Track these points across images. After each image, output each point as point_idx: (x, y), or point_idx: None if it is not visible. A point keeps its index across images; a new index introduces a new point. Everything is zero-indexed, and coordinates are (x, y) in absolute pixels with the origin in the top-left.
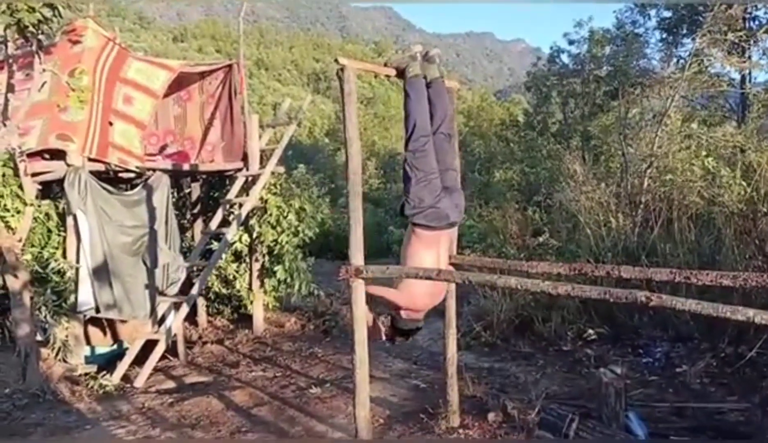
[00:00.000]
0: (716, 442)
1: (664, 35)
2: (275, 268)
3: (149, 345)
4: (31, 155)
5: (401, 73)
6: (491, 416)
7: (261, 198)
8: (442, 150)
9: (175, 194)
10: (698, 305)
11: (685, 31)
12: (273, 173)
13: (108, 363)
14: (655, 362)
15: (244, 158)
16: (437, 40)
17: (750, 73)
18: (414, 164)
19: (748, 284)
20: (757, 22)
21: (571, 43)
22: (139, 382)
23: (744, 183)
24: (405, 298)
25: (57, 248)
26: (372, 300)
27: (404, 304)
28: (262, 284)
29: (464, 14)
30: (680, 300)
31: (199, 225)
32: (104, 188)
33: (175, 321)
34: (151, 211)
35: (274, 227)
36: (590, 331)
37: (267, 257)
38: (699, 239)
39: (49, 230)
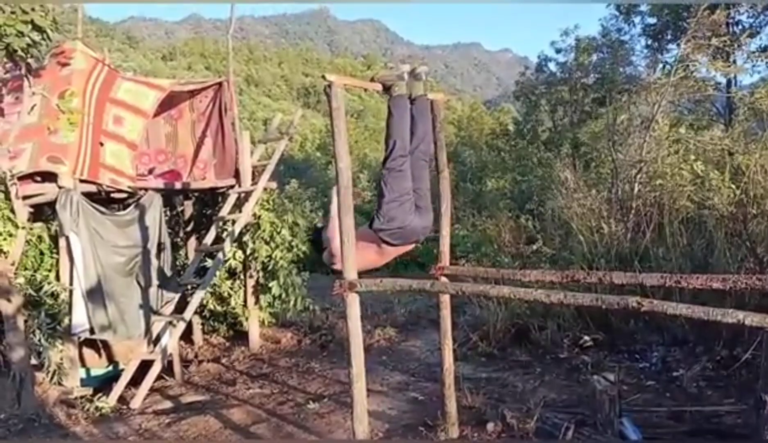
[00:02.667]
0: None
1: (650, 42)
2: (270, 284)
3: (145, 366)
4: (22, 178)
5: (387, 89)
6: (490, 426)
7: (254, 214)
8: (418, 170)
9: (168, 212)
10: (689, 310)
11: (669, 37)
12: (265, 188)
13: (104, 384)
14: (651, 366)
15: (236, 175)
16: (425, 52)
17: (735, 77)
18: (390, 182)
19: (738, 286)
20: (740, 27)
21: (557, 51)
22: (136, 403)
23: (733, 186)
24: (332, 245)
25: (50, 271)
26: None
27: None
28: (257, 301)
29: (451, 26)
30: (671, 305)
31: (192, 243)
32: (96, 209)
33: (171, 340)
34: (144, 230)
35: (267, 243)
36: (586, 338)
37: (261, 273)
38: (691, 243)
39: (42, 253)
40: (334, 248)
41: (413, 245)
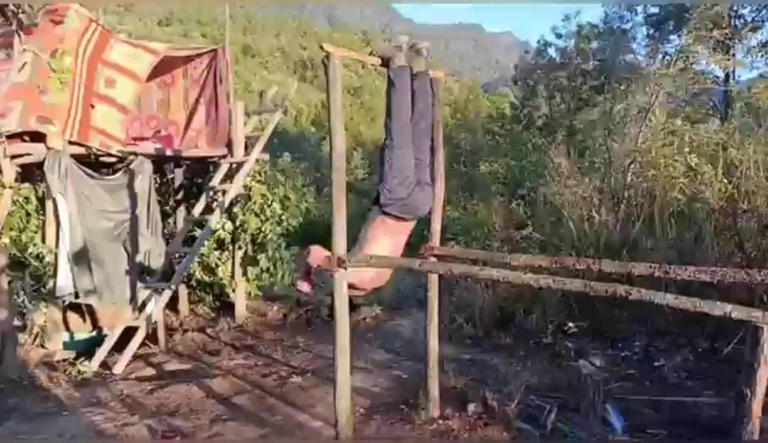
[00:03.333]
0: (694, 441)
1: (651, 31)
2: (258, 257)
3: (129, 332)
4: (11, 137)
5: (386, 63)
6: (471, 407)
7: (245, 186)
8: (419, 143)
9: (158, 179)
10: (676, 300)
11: (671, 28)
12: (258, 160)
13: (87, 349)
14: (633, 355)
15: (229, 145)
16: (425, 31)
17: (734, 71)
18: (391, 155)
19: (725, 279)
20: (742, 21)
21: (558, 37)
22: (118, 369)
23: (725, 180)
24: (354, 277)
25: (36, 233)
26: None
27: (352, 282)
28: (245, 273)
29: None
30: (659, 295)
31: (182, 212)
32: (85, 173)
33: (156, 308)
34: (133, 196)
35: (257, 216)
36: (570, 324)
37: (250, 246)
38: (680, 235)
39: (28, 214)
40: (358, 280)
41: (413, 221)
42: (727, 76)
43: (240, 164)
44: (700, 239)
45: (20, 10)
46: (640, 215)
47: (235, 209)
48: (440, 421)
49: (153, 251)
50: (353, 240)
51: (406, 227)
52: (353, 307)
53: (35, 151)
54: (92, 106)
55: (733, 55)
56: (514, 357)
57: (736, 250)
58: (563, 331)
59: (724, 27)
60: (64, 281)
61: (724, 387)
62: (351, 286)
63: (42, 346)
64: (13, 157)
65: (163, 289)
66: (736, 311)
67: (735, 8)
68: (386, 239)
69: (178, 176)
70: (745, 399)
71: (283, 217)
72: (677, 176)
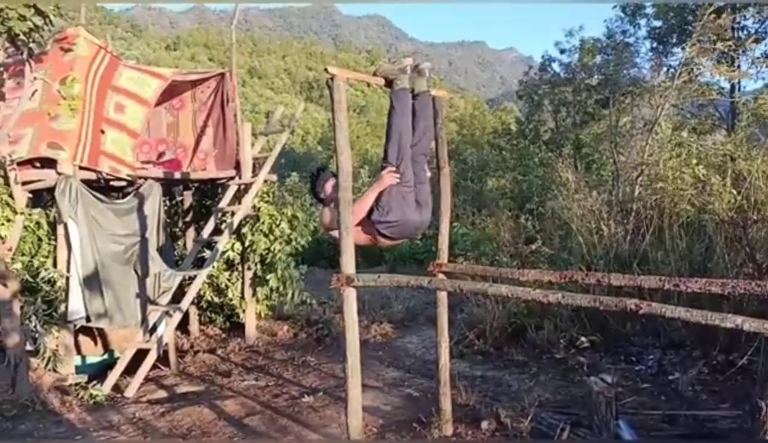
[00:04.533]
0: None
1: (654, 44)
2: (268, 276)
3: (140, 355)
4: (22, 163)
5: (390, 84)
6: (484, 424)
7: (253, 206)
8: (418, 164)
9: (167, 202)
10: (687, 313)
11: (674, 41)
12: (265, 181)
13: (99, 372)
14: (647, 369)
15: (237, 166)
16: (429, 49)
17: (739, 83)
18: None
19: (736, 291)
20: (745, 32)
21: (562, 52)
22: (130, 392)
23: (734, 191)
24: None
25: (47, 257)
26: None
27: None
28: (255, 293)
29: (456, 23)
30: (670, 308)
31: (191, 233)
32: (95, 197)
33: (167, 330)
34: (143, 219)
35: (266, 236)
36: (582, 339)
37: (259, 266)
38: (690, 247)
39: (40, 239)
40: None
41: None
42: (732, 87)
43: (248, 185)
44: (710, 250)
45: (30, 39)
46: (649, 227)
47: (244, 230)
48: (454, 439)
49: (163, 273)
50: (361, 257)
51: (390, 243)
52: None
53: (46, 176)
54: (102, 132)
55: (738, 66)
56: (525, 373)
57: (747, 261)
58: (575, 346)
59: (728, 39)
60: (76, 304)
61: (740, 400)
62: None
63: (54, 370)
64: (25, 183)
65: (173, 311)
66: (748, 323)
67: (738, 20)
68: (368, 234)
69: (187, 198)
70: (761, 412)
71: (292, 236)
72: (685, 187)
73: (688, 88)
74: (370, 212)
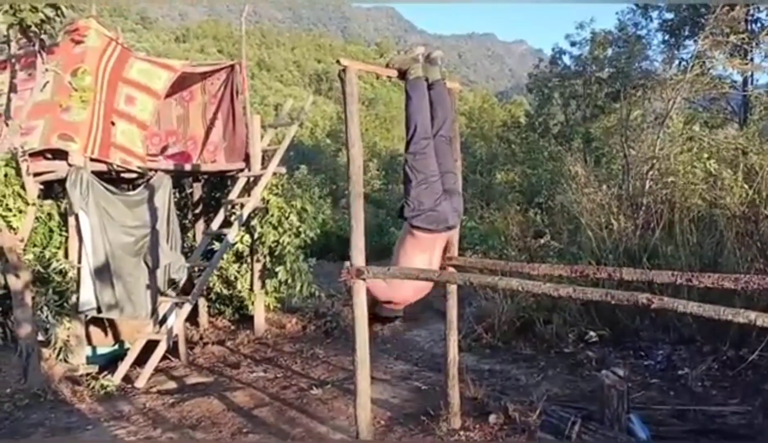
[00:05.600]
0: None
1: (666, 37)
2: (276, 269)
3: (150, 346)
4: (34, 154)
5: (403, 75)
6: (492, 418)
7: (263, 199)
8: (442, 153)
9: (177, 194)
10: (700, 308)
11: (687, 33)
12: (275, 173)
13: (109, 363)
14: (656, 364)
15: (246, 159)
16: (439, 42)
17: (752, 76)
18: (414, 166)
19: (749, 287)
20: (759, 25)
21: (572, 44)
22: (140, 383)
23: (746, 186)
24: (391, 292)
25: (59, 248)
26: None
27: (389, 297)
28: (264, 285)
29: (466, 15)
30: (682, 303)
31: (200, 225)
32: (106, 188)
33: (177, 322)
34: (153, 211)
35: (275, 228)
36: (591, 333)
37: (268, 258)
38: (701, 242)
39: (51, 230)
40: (401, 298)
41: (448, 232)
42: (745, 80)
43: (257, 178)
44: (721, 245)
45: (42, 31)
46: (659, 222)
47: (253, 222)
48: (461, 432)
49: (173, 265)
50: (370, 250)
51: (439, 240)
52: (389, 319)
53: (57, 168)
54: (113, 124)
55: (751, 59)
56: (534, 367)
57: (758, 256)
58: (584, 340)
59: (741, 31)
60: (87, 295)
61: (750, 396)
62: (389, 302)
63: (65, 361)
64: (36, 174)
65: (183, 303)
66: (762, 319)
67: (752, 12)
68: (419, 254)
69: (197, 190)
70: None
71: (301, 229)
72: (696, 182)
73: (700, 81)
74: (401, 209)
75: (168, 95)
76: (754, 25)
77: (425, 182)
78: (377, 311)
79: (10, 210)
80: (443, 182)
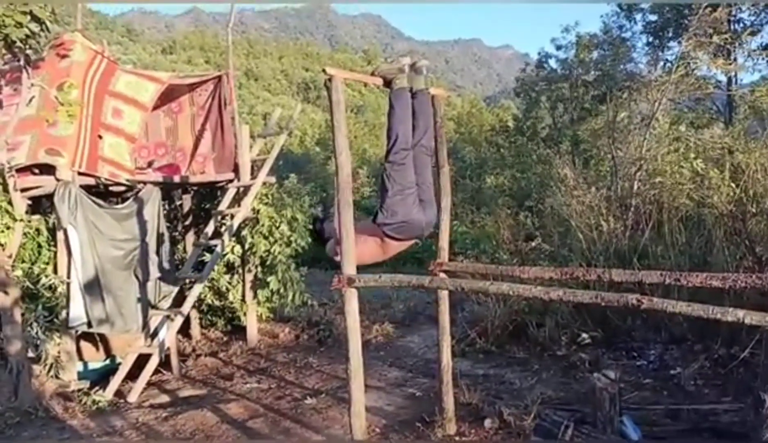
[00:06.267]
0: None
1: (651, 39)
2: (268, 279)
3: (142, 359)
4: (21, 170)
5: (388, 84)
6: (487, 423)
7: (253, 209)
8: (421, 163)
9: (167, 206)
10: (689, 307)
11: (671, 35)
12: (264, 183)
13: (101, 378)
14: (649, 364)
15: (235, 169)
16: (426, 48)
17: (736, 75)
18: (392, 175)
19: (737, 285)
20: (741, 25)
21: (558, 48)
22: (133, 397)
23: (733, 184)
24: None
25: (48, 264)
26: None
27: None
28: (256, 295)
29: (452, 22)
30: (671, 303)
31: (190, 237)
32: (94, 202)
33: (168, 334)
34: (143, 224)
35: (266, 238)
36: (584, 335)
37: (260, 268)
38: (690, 241)
39: (40, 246)
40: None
41: (415, 242)
42: (729, 80)
43: (247, 188)
44: (710, 244)
45: (27, 46)
46: (648, 222)
47: (244, 233)
48: (457, 438)
49: (163, 277)
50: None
51: (404, 245)
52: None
53: (45, 183)
54: (100, 137)
55: (735, 59)
56: (527, 371)
57: (746, 254)
58: (576, 342)
59: (724, 32)
60: (77, 310)
61: (742, 393)
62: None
63: (56, 377)
64: (24, 190)
65: (174, 315)
66: (750, 317)
67: (734, 12)
68: (377, 248)
69: (187, 201)
70: (763, 405)
71: (292, 238)
72: (684, 181)
73: (685, 82)
74: (375, 215)
75: (156, 107)
76: (736, 26)
77: (401, 194)
78: (328, 249)
79: None
80: (420, 193)
